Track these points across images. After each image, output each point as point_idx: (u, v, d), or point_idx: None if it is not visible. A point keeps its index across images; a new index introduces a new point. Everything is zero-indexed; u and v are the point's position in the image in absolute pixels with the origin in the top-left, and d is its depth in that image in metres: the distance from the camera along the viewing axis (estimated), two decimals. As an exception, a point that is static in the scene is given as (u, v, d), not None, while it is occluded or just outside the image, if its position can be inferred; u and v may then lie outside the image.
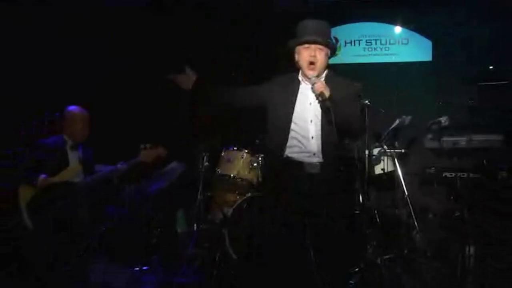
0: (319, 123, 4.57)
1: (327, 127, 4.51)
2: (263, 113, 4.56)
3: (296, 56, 4.72)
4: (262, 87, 4.88)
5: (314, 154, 4.60)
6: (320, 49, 4.61)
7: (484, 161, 6.53)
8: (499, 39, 7.92)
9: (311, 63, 4.58)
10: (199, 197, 6.51)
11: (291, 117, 4.61)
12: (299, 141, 4.62)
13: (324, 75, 4.71)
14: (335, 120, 4.36)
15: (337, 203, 4.61)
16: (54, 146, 5.73)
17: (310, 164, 4.59)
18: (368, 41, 9.12)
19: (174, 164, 6.49)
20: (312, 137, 4.59)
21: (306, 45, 4.63)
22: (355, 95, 4.74)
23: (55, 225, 5.20)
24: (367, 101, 6.13)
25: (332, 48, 4.74)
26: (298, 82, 4.71)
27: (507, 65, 7.66)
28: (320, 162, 4.59)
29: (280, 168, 4.64)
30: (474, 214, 6.24)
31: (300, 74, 4.74)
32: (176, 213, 7.02)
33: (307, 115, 4.62)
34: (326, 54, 4.66)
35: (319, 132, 4.57)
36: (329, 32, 4.77)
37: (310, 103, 4.62)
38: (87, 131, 5.87)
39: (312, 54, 4.58)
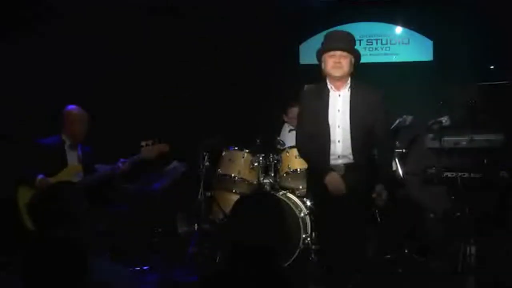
0: (347, 128, 4.85)
1: (355, 131, 4.84)
2: (263, 113, 4.71)
3: (323, 65, 4.92)
4: (302, 104, 5.14)
5: (339, 156, 4.88)
6: (344, 56, 4.82)
7: (485, 161, 6.53)
8: (500, 39, 7.92)
9: (337, 63, 4.80)
10: (199, 197, 6.53)
11: (328, 123, 4.87)
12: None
13: (348, 81, 4.93)
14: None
15: (359, 201, 4.89)
16: (52, 146, 5.68)
17: (335, 166, 4.87)
18: (369, 40, 9.14)
19: (175, 164, 6.50)
20: (339, 141, 4.87)
21: (331, 53, 4.83)
22: (380, 101, 4.97)
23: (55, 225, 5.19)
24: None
25: (357, 56, 4.91)
26: (328, 91, 4.92)
27: (508, 64, 7.66)
28: (344, 164, 4.88)
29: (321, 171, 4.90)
30: (475, 213, 6.25)
31: (328, 82, 4.94)
32: (177, 212, 7.02)
33: (335, 120, 4.87)
34: (351, 61, 4.86)
35: (348, 136, 4.86)
36: (354, 41, 4.98)
37: (339, 110, 4.87)
38: (86, 131, 5.82)
39: (337, 60, 4.80)
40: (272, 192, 6.41)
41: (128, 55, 8.02)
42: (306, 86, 5.42)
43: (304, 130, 5.03)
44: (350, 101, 4.87)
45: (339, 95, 4.89)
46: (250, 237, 2.75)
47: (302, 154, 5.36)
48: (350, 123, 4.84)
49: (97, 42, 7.94)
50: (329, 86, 4.92)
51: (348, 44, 4.85)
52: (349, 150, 4.88)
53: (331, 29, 5.12)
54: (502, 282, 5.23)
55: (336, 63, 4.79)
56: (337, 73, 4.81)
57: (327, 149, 4.87)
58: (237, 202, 3.00)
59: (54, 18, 7.72)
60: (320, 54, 4.94)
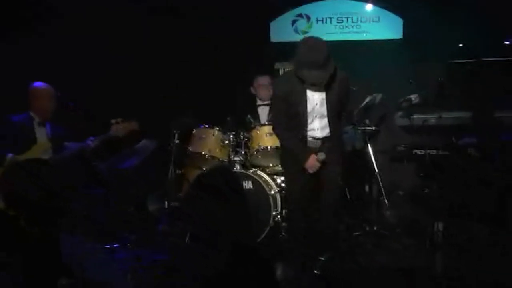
0: (325, 114, 5.26)
1: (331, 115, 5.27)
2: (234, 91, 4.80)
3: (299, 72, 5.06)
4: (281, 95, 5.29)
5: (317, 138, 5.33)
6: None
7: (453, 138, 6.60)
8: (469, 17, 7.96)
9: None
10: (170, 174, 6.51)
11: (307, 116, 5.22)
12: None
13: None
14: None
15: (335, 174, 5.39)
16: (21, 123, 5.63)
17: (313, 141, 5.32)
18: (339, 18, 9.12)
19: (145, 142, 6.46)
20: (318, 129, 5.30)
21: None
22: (347, 83, 5.38)
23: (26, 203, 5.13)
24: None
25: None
26: (304, 89, 5.17)
27: (477, 42, 7.71)
28: (321, 138, 5.32)
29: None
30: (443, 190, 6.32)
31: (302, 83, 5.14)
32: (148, 190, 7.00)
33: (313, 112, 5.24)
34: None
35: (325, 121, 5.29)
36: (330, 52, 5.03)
37: (316, 104, 5.20)
38: (53, 107, 5.76)
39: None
40: (242, 170, 6.42)
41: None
42: (280, 77, 6.07)
43: (281, 118, 5.33)
44: (326, 92, 5.16)
45: (315, 93, 5.16)
46: (210, 213, 2.75)
47: (278, 134, 5.56)
48: (327, 111, 5.23)
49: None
50: (304, 86, 5.11)
51: (327, 64, 4.93)
52: (327, 130, 5.29)
53: (305, 37, 5.21)
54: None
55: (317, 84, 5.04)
56: (316, 83, 5.02)
57: (304, 134, 5.26)
58: (196, 178, 3.01)
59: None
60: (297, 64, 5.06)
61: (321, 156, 5.19)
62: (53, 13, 7.77)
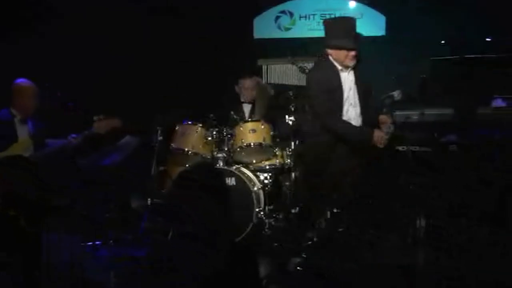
0: (357, 103, 5.65)
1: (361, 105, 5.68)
2: (218, 87, 4.87)
3: (335, 52, 5.53)
4: (321, 83, 5.55)
5: None
6: None
7: (435, 135, 6.62)
8: (451, 14, 8.00)
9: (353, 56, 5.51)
10: (153, 171, 6.49)
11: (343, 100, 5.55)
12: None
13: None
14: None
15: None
16: (1, 120, 5.58)
17: None
18: (322, 15, 9.13)
19: (128, 138, 6.43)
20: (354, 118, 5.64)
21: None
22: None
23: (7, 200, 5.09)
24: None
25: None
26: (338, 72, 5.57)
27: (459, 39, 7.75)
28: None
29: None
30: (425, 187, 6.33)
31: (336, 64, 5.56)
32: (130, 187, 6.97)
33: (349, 98, 5.60)
34: None
35: (358, 110, 5.65)
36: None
37: (350, 89, 5.60)
38: (35, 104, 5.73)
39: (354, 54, 5.51)
40: (225, 166, 6.41)
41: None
42: (313, 68, 5.99)
43: (328, 104, 5.52)
44: (355, 80, 5.61)
45: (347, 75, 5.58)
46: (193, 210, 2.75)
47: (330, 123, 5.62)
48: (359, 99, 5.65)
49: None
50: (339, 68, 5.53)
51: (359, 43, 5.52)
52: (360, 120, 5.65)
53: (333, 16, 5.76)
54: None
55: (353, 57, 5.46)
56: (351, 64, 5.52)
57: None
58: (178, 175, 3.00)
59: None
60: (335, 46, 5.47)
61: (389, 128, 5.51)
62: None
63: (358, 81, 5.60)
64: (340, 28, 5.48)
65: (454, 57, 7.35)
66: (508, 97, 6.69)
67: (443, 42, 8.02)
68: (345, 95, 5.51)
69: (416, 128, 6.80)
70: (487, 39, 7.63)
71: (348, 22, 5.61)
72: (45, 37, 7.69)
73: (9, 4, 7.53)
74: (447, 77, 7.30)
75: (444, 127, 6.67)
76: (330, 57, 5.54)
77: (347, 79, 5.56)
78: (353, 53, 5.47)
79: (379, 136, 5.42)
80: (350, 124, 5.52)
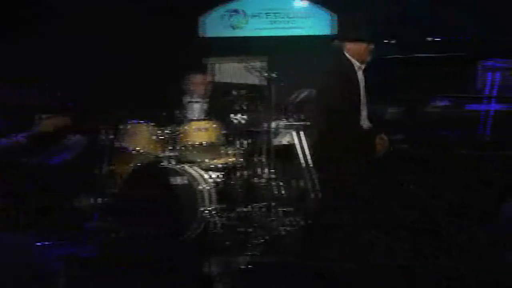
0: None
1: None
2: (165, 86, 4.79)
3: (354, 47, 5.31)
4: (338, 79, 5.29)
5: None
6: None
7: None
8: (398, 13, 8.11)
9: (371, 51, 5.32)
10: (102, 170, 6.40)
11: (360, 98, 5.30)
12: None
13: None
14: None
15: None
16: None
17: None
18: (271, 14, 9.16)
19: (77, 137, 6.35)
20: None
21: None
22: None
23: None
24: (271, 74, 6.17)
25: None
26: (355, 70, 5.31)
27: (406, 38, 7.85)
28: None
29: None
30: (374, 184, 6.40)
31: (355, 62, 5.32)
32: (79, 186, 6.87)
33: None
34: None
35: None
36: None
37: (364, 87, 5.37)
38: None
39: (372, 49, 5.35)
40: (174, 165, 6.36)
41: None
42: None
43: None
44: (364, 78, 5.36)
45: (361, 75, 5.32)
46: (143, 208, 2.73)
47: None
48: (367, 99, 5.39)
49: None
50: (356, 67, 5.28)
51: None
52: (367, 122, 5.41)
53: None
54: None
55: (371, 52, 5.27)
56: (369, 59, 5.31)
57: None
58: (127, 174, 2.98)
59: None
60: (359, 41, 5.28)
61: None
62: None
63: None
64: (359, 19, 5.34)
65: (401, 56, 7.45)
66: (451, 96, 6.81)
67: (386, 41, 8.13)
68: (362, 92, 5.27)
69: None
70: (428, 39, 7.75)
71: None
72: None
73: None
74: (391, 77, 7.40)
75: (393, 126, 6.75)
76: (346, 53, 5.32)
77: (361, 76, 5.33)
78: (372, 46, 5.31)
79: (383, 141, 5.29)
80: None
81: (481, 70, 7.04)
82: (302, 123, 6.86)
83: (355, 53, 5.27)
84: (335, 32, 8.93)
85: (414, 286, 4.56)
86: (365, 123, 5.36)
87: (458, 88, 7.00)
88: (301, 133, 6.74)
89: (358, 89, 5.22)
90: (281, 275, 5.10)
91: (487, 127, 6.66)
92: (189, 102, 7.12)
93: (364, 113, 5.31)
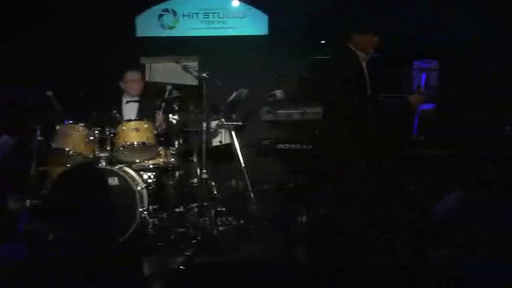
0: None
1: None
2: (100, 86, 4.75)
3: (360, 38, 5.29)
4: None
5: None
6: None
7: (316, 132, 6.78)
8: (331, 15, 8.22)
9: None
10: (32, 172, 6.31)
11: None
12: None
13: None
14: None
15: None
16: None
17: None
18: (205, 14, 9.18)
19: (5, 137, 6.24)
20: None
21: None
22: None
23: None
24: (205, 74, 6.19)
25: None
26: (360, 63, 5.32)
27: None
28: None
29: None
30: (307, 183, 6.48)
31: (360, 53, 5.31)
32: (8, 188, 6.76)
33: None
34: None
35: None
36: None
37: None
38: None
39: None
40: (108, 166, 6.31)
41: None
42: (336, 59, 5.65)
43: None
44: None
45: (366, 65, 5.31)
46: (75, 210, 2.73)
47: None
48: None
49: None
50: (361, 59, 5.28)
51: None
52: None
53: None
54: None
55: (375, 43, 5.26)
56: (372, 51, 5.28)
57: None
58: (59, 175, 2.96)
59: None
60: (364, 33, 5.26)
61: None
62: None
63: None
64: (365, 11, 5.36)
65: (334, 56, 7.54)
66: (394, 96, 6.95)
67: (323, 42, 8.24)
68: (369, 86, 5.28)
69: (298, 126, 6.96)
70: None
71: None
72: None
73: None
74: (326, 76, 7.48)
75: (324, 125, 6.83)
76: (351, 45, 5.31)
77: (366, 69, 5.32)
78: (376, 38, 5.28)
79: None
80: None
81: (408, 71, 7.21)
82: (235, 123, 6.91)
83: (360, 45, 5.28)
84: (270, 32, 8.99)
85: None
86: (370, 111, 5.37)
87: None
88: (233, 133, 6.77)
89: (366, 81, 5.29)
90: (216, 274, 5.14)
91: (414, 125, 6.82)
92: (123, 102, 7.07)
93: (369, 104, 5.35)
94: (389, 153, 5.66)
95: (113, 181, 6.07)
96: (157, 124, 6.56)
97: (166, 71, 8.86)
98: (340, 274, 4.83)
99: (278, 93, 6.95)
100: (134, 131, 6.27)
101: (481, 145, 6.52)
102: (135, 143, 6.30)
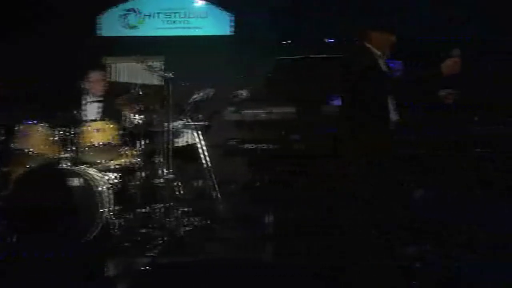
0: None
1: None
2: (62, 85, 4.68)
3: (378, 38, 5.02)
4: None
5: None
6: None
7: (282, 132, 6.78)
8: (297, 14, 8.23)
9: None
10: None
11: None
12: None
13: None
14: None
15: None
16: None
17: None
18: (167, 14, 9.15)
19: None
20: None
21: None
22: None
23: None
24: (170, 74, 6.15)
25: None
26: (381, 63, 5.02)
27: (302, 39, 8.00)
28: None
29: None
30: (273, 183, 6.47)
31: (379, 53, 5.04)
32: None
33: None
34: None
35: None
36: None
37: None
38: None
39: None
40: (71, 167, 6.22)
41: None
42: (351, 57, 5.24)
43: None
44: None
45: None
46: (37, 211, 2.67)
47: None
48: None
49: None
50: (376, 56, 5.00)
51: None
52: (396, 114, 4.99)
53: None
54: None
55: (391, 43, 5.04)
56: (389, 52, 5.04)
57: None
58: (20, 176, 2.90)
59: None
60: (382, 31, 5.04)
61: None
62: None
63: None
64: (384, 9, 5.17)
65: (299, 56, 7.56)
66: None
67: (289, 42, 8.25)
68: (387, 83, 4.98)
69: (264, 126, 6.95)
70: (326, 40, 7.92)
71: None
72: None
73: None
74: (292, 76, 7.50)
75: (291, 125, 6.84)
76: (367, 43, 5.04)
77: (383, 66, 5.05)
78: (394, 37, 5.06)
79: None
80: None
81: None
82: (200, 123, 6.87)
83: (376, 44, 5.02)
84: (233, 32, 8.97)
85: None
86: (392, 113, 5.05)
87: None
88: (199, 133, 6.74)
89: (382, 77, 4.98)
90: (181, 275, 5.10)
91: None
92: (86, 102, 6.99)
93: (391, 104, 5.02)
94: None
95: (76, 182, 5.97)
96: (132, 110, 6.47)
97: (131, 71, 8.80)
98: (305, 273, 4.85)
99: (244, 93, 6.92)
100: (97, 131, 6.20)
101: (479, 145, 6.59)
102: (99, 143, 6.22)
